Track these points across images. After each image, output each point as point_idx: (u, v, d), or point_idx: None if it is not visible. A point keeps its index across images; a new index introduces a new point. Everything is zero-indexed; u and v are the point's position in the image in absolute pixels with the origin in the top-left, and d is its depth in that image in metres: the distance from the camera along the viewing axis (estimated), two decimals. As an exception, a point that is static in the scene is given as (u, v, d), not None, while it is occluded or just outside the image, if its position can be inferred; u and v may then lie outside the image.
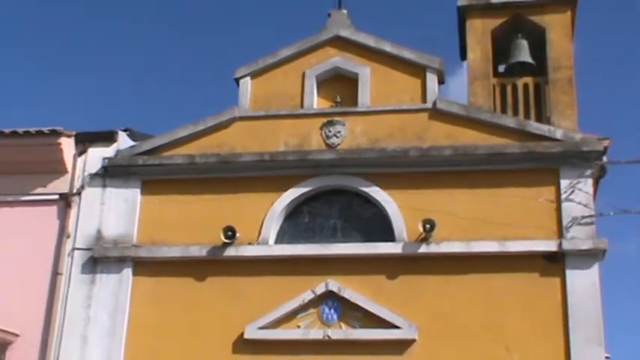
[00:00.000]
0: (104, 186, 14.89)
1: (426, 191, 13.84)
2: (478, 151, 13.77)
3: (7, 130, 14.51)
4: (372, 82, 14.88)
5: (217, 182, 14.56)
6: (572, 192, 13.28)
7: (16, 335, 13.82)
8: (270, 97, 15.13)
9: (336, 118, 14.60)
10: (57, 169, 14.80)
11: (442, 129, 14.27)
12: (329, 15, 15.54)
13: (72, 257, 14.44)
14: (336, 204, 14.32)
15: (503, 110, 15.78)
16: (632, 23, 42.75)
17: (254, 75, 15.33)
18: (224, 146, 14.77)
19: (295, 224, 14.27)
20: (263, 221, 14.09)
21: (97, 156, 14.99)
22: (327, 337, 13.21)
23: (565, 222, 13.15)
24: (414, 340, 12.99)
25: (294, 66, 15.26)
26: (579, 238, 12.96)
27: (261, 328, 13.37)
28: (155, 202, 14.75)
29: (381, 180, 14.05)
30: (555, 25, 16.24)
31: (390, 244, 13.62)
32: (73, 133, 14.92)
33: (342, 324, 13.31)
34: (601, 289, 12.85)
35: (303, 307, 13.43)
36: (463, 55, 17.07)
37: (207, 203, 14.44)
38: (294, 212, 14.32)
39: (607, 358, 13.15)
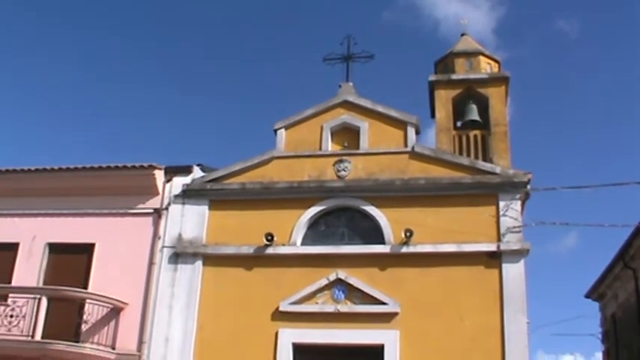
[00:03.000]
0: (183, 204, 15.42)
1: (407, 209, 14.35)
2: (443, 181, 14.40)
3: (120, 165, 15.40)
4: (370, 133, 15.39)
5: (261, 202, 15.07)
6: (507, 210, 13.91)
7: (126, 304, 14.69)
8: (298, 143, 15.62)
9: (344, 158, 15.18)
10: (152, 191, 15.52)
11: (418, 166, 14.78)
12: (340, 86, 16.19)
13: (162, 252, 15.08)
14: (343, 218, 14.79)
15: (460, 153, 16.61)
16: (555, 89, 45.29)
17: (287, 127, 15.84)
18: (265, 177, 15.33)
19: (315, 231, 14.76)
20: (293, 229, 14.62)
21: (179, 183, 15.66)
22: (337, 311, 13.75)
23: (502, 230, 13.78)
24: (397, 313, 13.57)
25: (315, 121, 15.74)
26: (511, 242, 13.63)
27: (291, 303, 13.98)
28: (218, 215, 15.23)
29: (376, 201, 14.58)
30: (495, 94, 17.20)
31: (381, 246, 14.17)
32: (163, 167, 15.62)
33: (348, 301, 13.84)
34: (526, 277, 13.54)
35: (320, 290, 14.01)
36: (433, 114, 17.90)
37: (254, 216, 14.94)
38: (314, 223, 14.84)
39: (528, 322, 13.45)
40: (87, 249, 15.20)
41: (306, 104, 16.17)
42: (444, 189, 14.45)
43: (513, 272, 13.51)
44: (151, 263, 15.01)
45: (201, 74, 48.17)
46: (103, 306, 14.30)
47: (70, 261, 15.04)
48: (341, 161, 15.21)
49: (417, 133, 15.35)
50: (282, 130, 15.94)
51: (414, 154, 15.02)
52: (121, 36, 45.67)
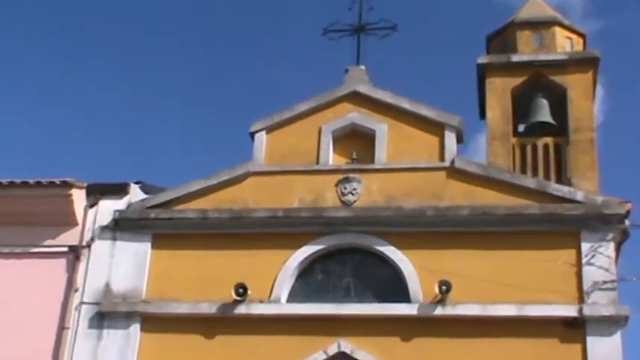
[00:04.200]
0: (114, 239, 14.78)
1: (443, 252, 13.68)
2: (497, 211, 13.64)
3: (18, 181, 14.52)
4: (389, 139, 14.80)
5: (229, 238, 14.42)
6: (593, 256, 13.14)
7: (23, 390, 13.58)
8: (285, 152, 15.06)
9: (352, 175, 14.49)
10: (67, 221, 14.76)
11: (460, 188, 14.15)
12: (346, 71, 15.48)
13: (79, 311, 14.24)
14: (350, 263, 14.14)
15: (523, 170, 15.74)
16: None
17: (269, 129, 15.26)
18: (237, 201, 14.67)
19: (308, 282, 14.12)
20: (275, 279, 13.92)
21: (108, 208, 14.91)
22: (339, 401, 13.12)
23: (586, 287, 13.00)
24: (428, 406, 12.95)
25: (311, 121, 15.19)
26: (600, 304, 12.77)
27: (271, 389, 13.30)
28: (165, 256, 14.60)
29: (397, 239, 13.88)
30: (577, 85, 16.31)
31: (404, 305, 13.44)
32: (85, 184, 14.83)
33: (355, 387, 13.18)
34: (624, 356, 12.64)
35: (315, 368, 13.44)
36: (482, 114, 17.11)
37: (219, 259, 14.30)
38: (307, 270, 14.16)
39: None
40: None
41: (297, 97, 15.81)
42: (498, 223, 13.69)
43: (604, 349, 12.64)
44: (61, 328, 14.14)
45: (147, 55, 44.16)
46: (-15, 395, 13.42)
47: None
48: (347, 180, 14.51)
49: (460, 140, 14.87)
50: (263, 133, 15.32)
51: (454, 172, 14.36)
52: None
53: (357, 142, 15.01)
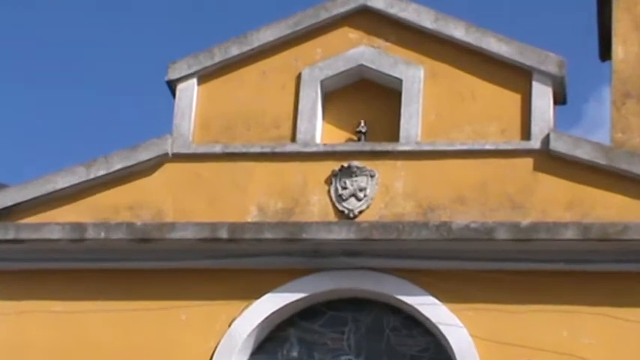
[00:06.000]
0: None
1: (524, 308, 13.03)
2: (628, 235, 12.74)
3: None
4: (428, 98, 14.06)
5: (129, 278, 13.79)
6: None
7: None
8: (232, 120, 14.46)
9: (358, 164, 13.82)
10: None
11: (560, 189, 13.37)
12: None
13: None
14: (352, 325, 13.67)
15: None
16: None
17: (204, 78, 14.65)
18: (144, 209, 14.12)
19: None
20: (213, 353, 13.41)
21: None
22: None
23: None
24: None
25: (281, 62, 14.59)
26: None
27: None
28: (9, 312, 13.96)
29: (440, 284, 13.25)
30: None
31: None
32: None
33: None
34: None
35: None
36: (605, 52, 17.09)
37: (109, 318, 13.72)
38: (272, 338, 13.71)
39: None
40: None
41: (257, 19, 15.82)
42: (629, 257, 13.00)
43: None
44: None
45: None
46: None
47: None
48: (349, 172, 13.89)
49: (560, 101, 14.31)
50: (192, 83, 14.79)
51: (548, 159, 13.68)
52: None
53: (369, 102, 14.42)
